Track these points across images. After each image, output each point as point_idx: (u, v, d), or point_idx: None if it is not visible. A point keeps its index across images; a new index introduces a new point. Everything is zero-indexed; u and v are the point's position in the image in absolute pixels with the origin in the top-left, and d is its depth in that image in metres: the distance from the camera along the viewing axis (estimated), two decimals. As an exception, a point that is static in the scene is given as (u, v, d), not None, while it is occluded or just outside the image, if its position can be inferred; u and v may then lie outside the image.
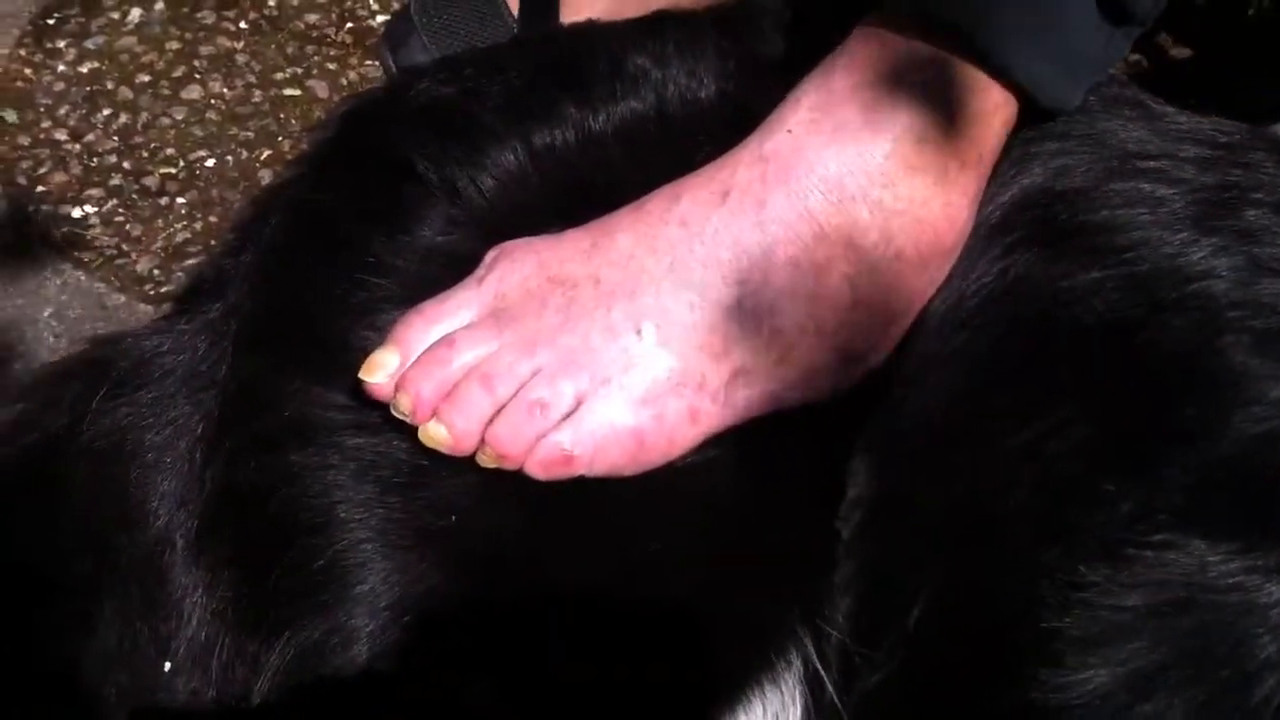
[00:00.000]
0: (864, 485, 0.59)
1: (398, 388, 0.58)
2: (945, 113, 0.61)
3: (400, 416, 0.58)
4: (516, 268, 0.61)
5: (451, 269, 0.63)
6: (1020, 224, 0.63)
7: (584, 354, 0.58)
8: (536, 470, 0.58)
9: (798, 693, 0.56)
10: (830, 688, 0.56)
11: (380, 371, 0.59)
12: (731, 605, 0.58)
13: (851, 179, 0.60)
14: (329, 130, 0.73)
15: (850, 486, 0.60)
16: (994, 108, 0.62)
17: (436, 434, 0.58)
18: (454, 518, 0.56)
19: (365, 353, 0.60)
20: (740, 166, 0.61)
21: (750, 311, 0.59)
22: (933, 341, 0.61)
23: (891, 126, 0.61)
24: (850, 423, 0.62)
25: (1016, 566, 0.54)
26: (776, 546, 0.60)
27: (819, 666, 0.56)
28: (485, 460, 0.58)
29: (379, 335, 0.61)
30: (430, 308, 0.60)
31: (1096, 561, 0.53)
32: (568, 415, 0.58)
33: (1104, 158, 0.65)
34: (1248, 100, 1.07)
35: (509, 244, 0.62)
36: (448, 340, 0.59)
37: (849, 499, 0.59)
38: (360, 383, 0.59)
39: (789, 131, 0.62)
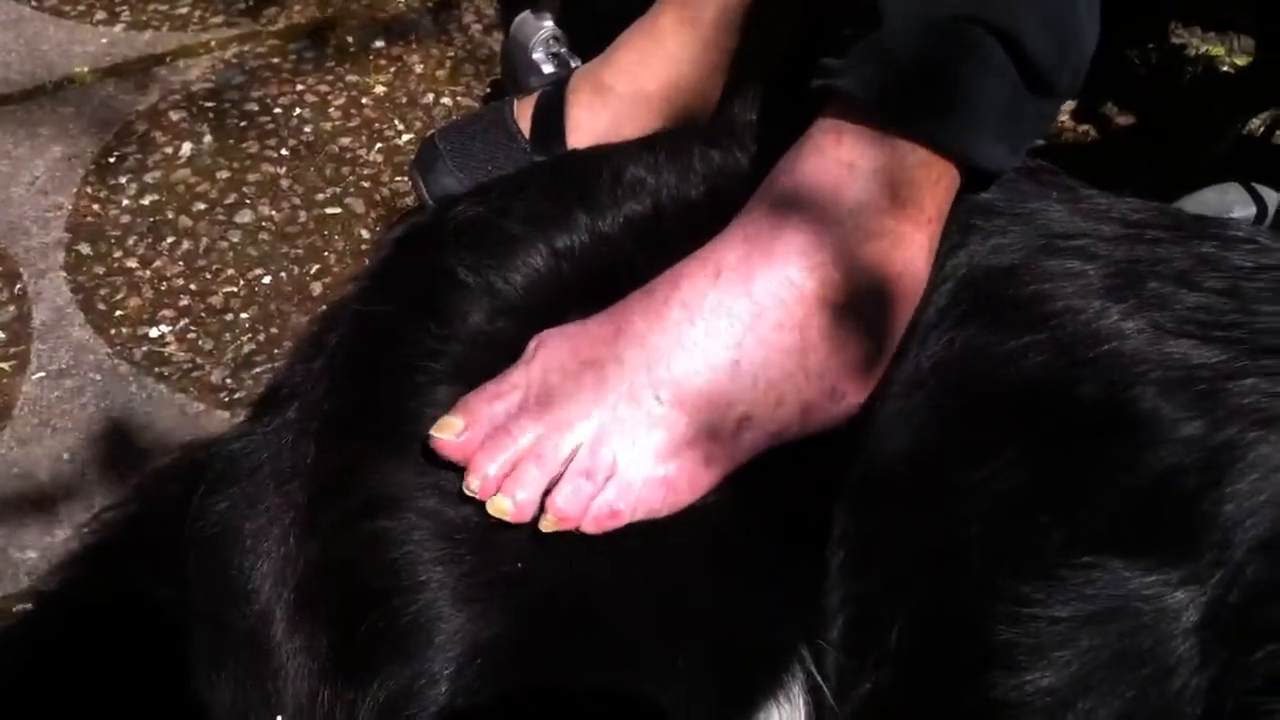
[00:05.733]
0: (845, 525, 0.71)
1: (468, 471, 0.71)
2: (897, 185, 0.73)
3: (470, 494, 0.70)
4: (555, 355, 0.73)
5: (494, 351, 0.75)
6: (964, 300, 0.75)
7: (615, 424, 0.71)
8: (591, 527, 0.70)
9: (801, 701, 0.68)
10: (829, 695, 0.68)
11: (449, 431, 0.71)
12: (747, 629, 0.70)
13: (823, 249, 0.72)
14: (383, 251, 0.86)
15: (834, 527, 0.71)
16: (938, 176, 0.74)
17: (503, 505, 0.70)
18: (519, 566, 0.69)
19: (430, 420, 0.72)
20: (728, 249, 0.73)
21: (747, 369, 0.71)
22: (895, 402, 0.73)
23: (853, 200, 0.72)
24: (833, 473, 0.74)
25: (974, 588, 0.66)
26: (781, 580, 0.72)
27: (818, 678, 0.68)
28: (547, 525, 0.70)
29: (440, 410, 0.73)
30: (489, 387, 0.73)
31: (1037, 581, 0.64)
32: (609, 477, 0.70)
33: (1033, 237, 0.77)
34: (1186, 160, 1.19)
35: (546, 334, 0.75)
36: (504, 429, 0.71)
37: (834, 537, 0.71)
38: (429, 447, 0.71)
39: (766, 214, 0.74)
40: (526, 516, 0.70)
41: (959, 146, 0.73)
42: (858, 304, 0.72)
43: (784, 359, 0.71)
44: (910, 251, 0.73)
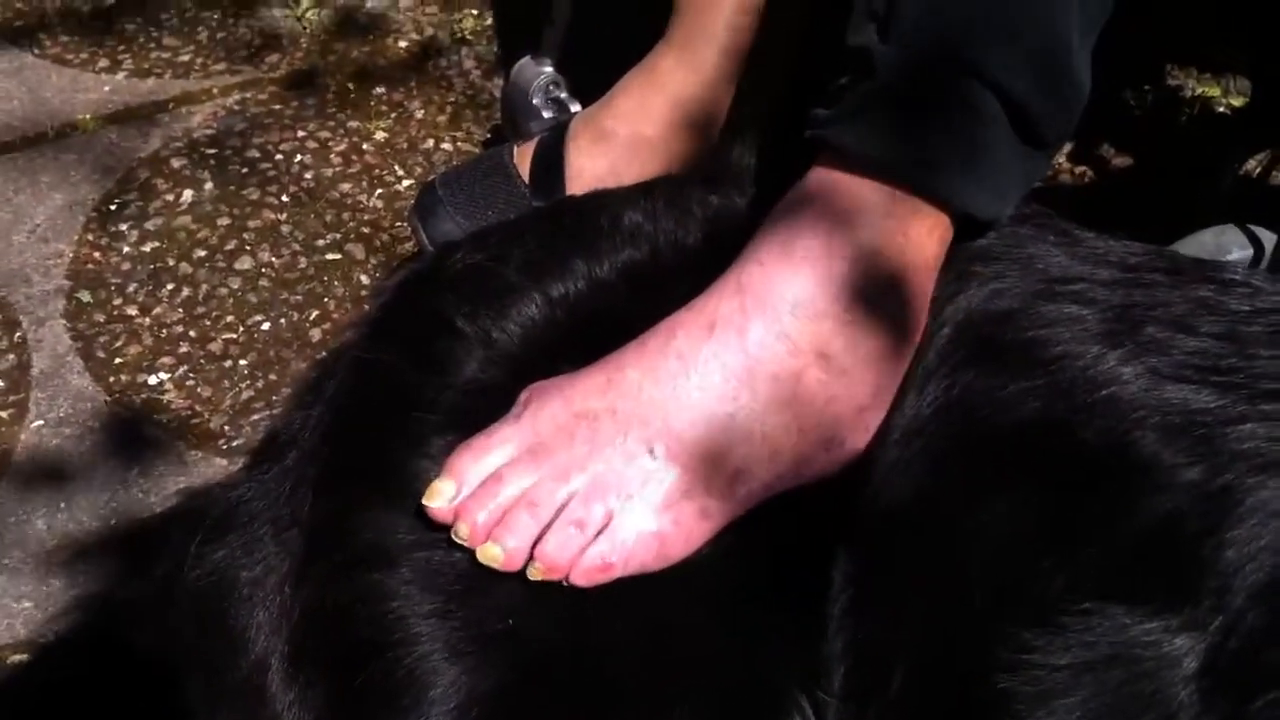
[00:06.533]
0: (846, 573, 0.71)
1: (456, 517, 0.70)
2: (890, 235, 0.73)
3: (459, 541, 0.70)
4: (547, 406, 0.73)
5: (489, 400, 0.75)
6: (962, 346, 0.75)
7: (609, 476, 0.70)
8: (581, 579, 0.69)
9: (801, 753, 0.68)
10: (829, 747, 0.68)
11: (439, 498, 0.71)
12: (746, 679, 0.69)
13: (817, 300, 0.72)
14: (382, 297, 0.86)
15: (835, 575, 0.71)
16: (931, 227, 0.74)
17: (493, 553, 0.69)
18: (510, 621, 0.68)
19: (424, 479, 0.71)
20: (723, 300, 0.73)
21: (742, 422, 0.71)
22: (896, 449, 0.73)
23: (848, 251, 0.72)
24: (834, 520, 0.73)
25: (974, 635, 0.66)
26: (780, 629, 0.71)
27: (818, 729, 0.68)
28: (535, 574, 0.69)
29: (434, 462, 0.72)
30: (478, 442, 0.72)
31: (1037, 627, 0.64)
32: (601, 530, 0.70)
33: (1031, 282, 0.77)
34: (1183, 202, 1.20)
35: (538, 385, 0.74)
36: (496, 476, 0.71)
37: (835, 584, 0.71)
38: (423, 508, 0.71)
39: (760, 264, 0.73)
40: (517, 565, 0.70)
41: (952, 197, 0.73)
42: (853, 355, 0.72)
43: (780, 411, 0.71)
44: (905, 300, 0.73)
